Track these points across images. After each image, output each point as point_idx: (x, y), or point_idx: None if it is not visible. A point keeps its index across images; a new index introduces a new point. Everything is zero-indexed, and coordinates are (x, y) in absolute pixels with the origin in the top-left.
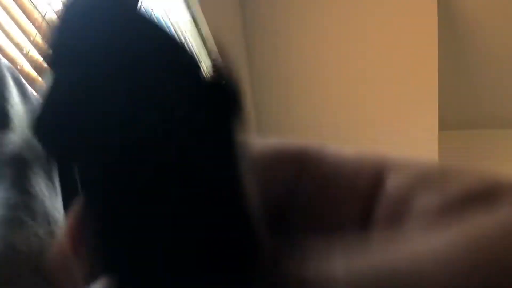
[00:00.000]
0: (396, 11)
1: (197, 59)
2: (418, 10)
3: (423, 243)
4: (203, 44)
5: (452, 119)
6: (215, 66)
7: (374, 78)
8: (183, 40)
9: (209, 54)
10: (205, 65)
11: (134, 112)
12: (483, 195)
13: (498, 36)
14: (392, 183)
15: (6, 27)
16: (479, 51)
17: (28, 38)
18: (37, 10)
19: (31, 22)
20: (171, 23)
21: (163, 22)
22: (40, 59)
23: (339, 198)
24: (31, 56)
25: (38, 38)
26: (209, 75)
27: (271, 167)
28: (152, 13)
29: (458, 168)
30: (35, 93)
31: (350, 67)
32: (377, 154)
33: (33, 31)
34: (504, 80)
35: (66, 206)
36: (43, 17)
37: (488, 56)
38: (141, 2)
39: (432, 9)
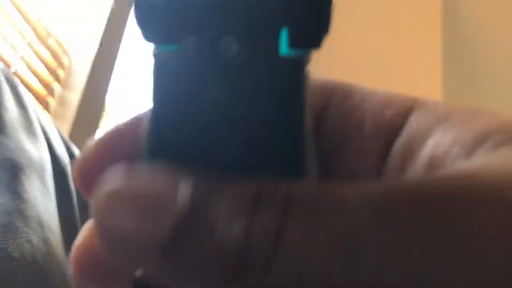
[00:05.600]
0: (399, 13)
1: None
2: (421, 13)
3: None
4: None
5: None
6: None
7: (375, 82)
8: None
9: None
10: None
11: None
12: (495, 137)
13: (506, 37)
14: (415, 120)
15: (1, 29)
16: (487, 53)
17: (23, 40)
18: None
19: (26, 23)
20: None
21: None
22: (33, 62)
23: (364, 130)
24: (25, 59)
25: (33, 40)
26: None
27: None
28: None
29: (482, 111)
30: (28, 96)
31: (352, 70)
32: (409, 96)
33: (28, 32)
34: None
35: (60, 211)
36: (39, 18)
37: (496, 58)
38: None
39: (436, 12)
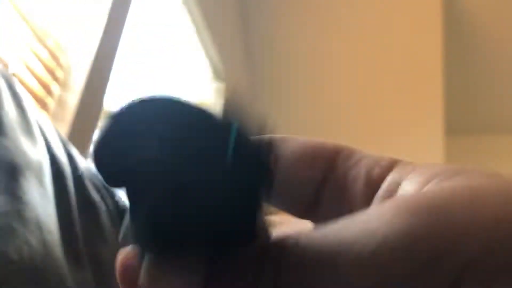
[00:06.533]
0: (400, 13)
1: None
2: (422, 13)
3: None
4: (203, 49)
5: (460, 124)
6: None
7: (376, 83)
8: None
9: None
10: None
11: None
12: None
13: (507, 36)
14: (392, 175)
15: None
16: (488, 53)
17: (22, 40)
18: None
19: (25, 23)
20: None
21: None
22: (32, 63)
23: (358, 183)
24: (23, 59)
25: (32, 41)
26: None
27: (306, 162)
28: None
29: (438, 164)
30: (27, 97)
31: (353, 71)
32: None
33: (27, 33)
34: None
35: (58, 213)
36: (38, 19)
37: (497, 58)
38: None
39: (437, 12)
